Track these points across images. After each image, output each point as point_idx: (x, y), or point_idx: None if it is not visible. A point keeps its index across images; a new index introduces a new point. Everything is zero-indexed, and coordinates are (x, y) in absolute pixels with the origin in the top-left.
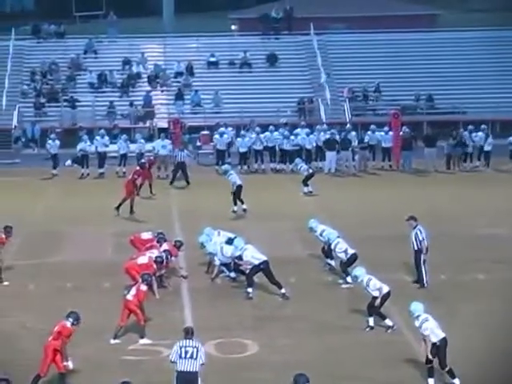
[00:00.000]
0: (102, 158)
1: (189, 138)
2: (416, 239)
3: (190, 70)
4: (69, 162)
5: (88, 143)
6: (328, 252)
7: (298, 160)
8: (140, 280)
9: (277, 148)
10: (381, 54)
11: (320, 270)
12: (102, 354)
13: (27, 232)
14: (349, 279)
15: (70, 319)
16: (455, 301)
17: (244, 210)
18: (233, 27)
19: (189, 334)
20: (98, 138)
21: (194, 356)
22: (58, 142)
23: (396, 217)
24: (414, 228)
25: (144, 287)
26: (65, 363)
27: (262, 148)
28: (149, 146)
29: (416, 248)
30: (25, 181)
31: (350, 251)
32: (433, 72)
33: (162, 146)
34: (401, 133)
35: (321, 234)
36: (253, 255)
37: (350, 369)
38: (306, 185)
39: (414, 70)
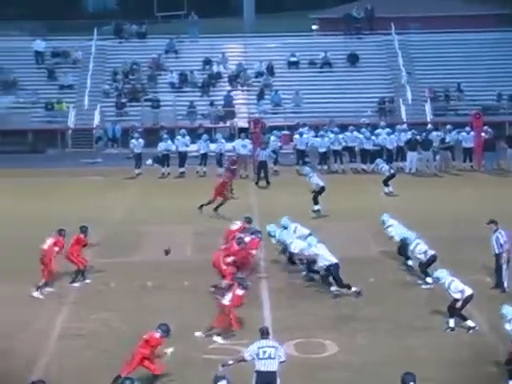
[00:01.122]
0: (182, 157)
1: (270, 136)
2: (497, 243)
3: (270, 70)
4: (149, 161)
5: (169, 142)
6: (402, 251)
7: (379, 160)
8: (236, 284)
9: (357, 148)
10: (462, 53)
11: (398, 271)
12: (183, 353)
13: (109, 231)
14: (429, 280)
15: (160, 330)
16: None
17: (317, 211)
18: (313, 27)
19: (264, 333)
20: (178, 137)
21: (272, 355)
22: (141, 141)
23: (477, 218)
24: (495, 232)
25: (240, 291)
26: (165, 350)
27: (341, 148)
28: (229, 146)
29: (496, 252)
30: (107, 180)
31: (430, 252)
32: None
33: (242, 145)
34: (483, 133)
35: (387, 229)
36: (324, 256)
37: (429, 370)
38: (387, 185)
39: (496, 69)
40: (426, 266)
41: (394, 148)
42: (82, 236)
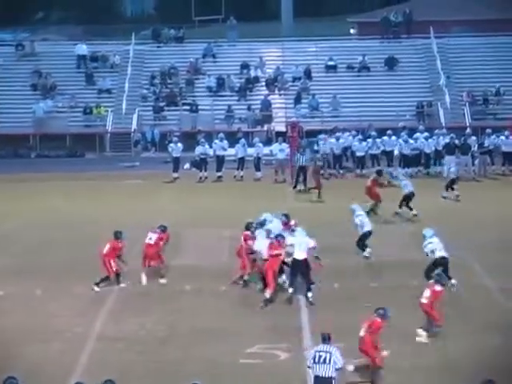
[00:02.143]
0: (220, 161)
1: (319, 141)
2: None
3: (308, 74)
4: (187, 165)
5: (206, 146)
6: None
7: (449, 160)
8: (433, 280)
9: (395, 152)
10: (502, 57)
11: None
12: (220, 357)
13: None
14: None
15: (378, 315)
16: None
17: (415, 215)
18: (351, 31)
19: (326, 339)
20: (216, 141)
21: (327, 361)
22: (180, 146)
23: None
24: None
25: (438, 287)
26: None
27: (380, 152)
28: (266, 150)
29: None
30: (144, 184)
31: (440, 254)
32: None
33: (279, 149)
34: None
35: (357, 217)
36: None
37: (476, 374)
38: (452, 189)
39: None
40: (430, 269)
41: (432, 152)
42: (116, 242)
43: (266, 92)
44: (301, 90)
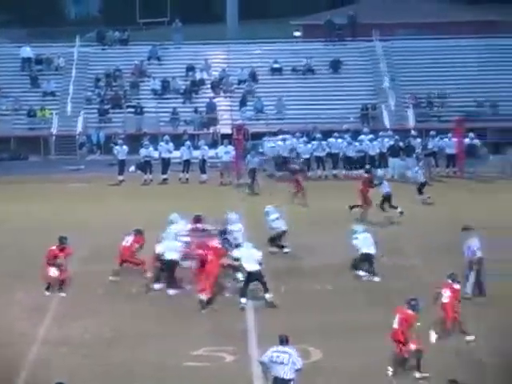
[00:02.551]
0: (165, 164)
1: (252, 144)
2: (468, 250)
3: (253, 77)
4: (132, 168)
5: (151, 149)
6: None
7: (414, 163)
8: (450, 280)
9: (340, 154)
10: (445, 60)
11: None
12: (166, 359)
13: (94, 238)
14: (361, 273)
15: (409, 306)
16: None
17: (401, 213)
18: (296, 33)
19: (283, 341)
20: (162, 144)
21: (285, 362)
22: (125, 148)
23: (457, 224)
24: (469, 239)
25: (457, 285)
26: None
27: (325, 154)
28: (212, 153)
29: (468, 258)
30: (89, 187)
31: (364, 250)
32: (498, 78)
33: (225, 152)
34: (466, 139)
35: (273, 221)
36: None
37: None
38: (420, 192)
39: (479, 76)
40: (357, 262)
41: (377, 154)
42: (61, 248)
43: (212, 94)
44: (246, 93)
